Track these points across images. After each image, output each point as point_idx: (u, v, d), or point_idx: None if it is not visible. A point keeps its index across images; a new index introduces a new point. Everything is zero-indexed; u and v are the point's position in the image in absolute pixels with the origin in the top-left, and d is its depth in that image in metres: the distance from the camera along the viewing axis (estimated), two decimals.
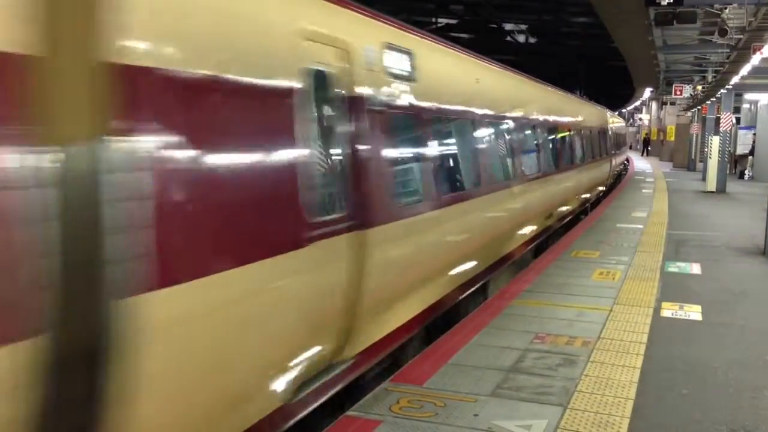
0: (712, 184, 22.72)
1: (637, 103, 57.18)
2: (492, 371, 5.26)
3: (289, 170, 3.79)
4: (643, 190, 22.02)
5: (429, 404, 4.61)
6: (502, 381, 5.06)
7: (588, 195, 16.89)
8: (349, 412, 4.49)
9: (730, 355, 5.89)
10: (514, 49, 37.30)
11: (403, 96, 5.50)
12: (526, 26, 35.99)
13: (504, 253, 8.80)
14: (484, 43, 30.42)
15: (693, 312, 7.22)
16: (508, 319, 6.74)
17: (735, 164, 30.57)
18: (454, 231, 6.62)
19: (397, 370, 5.31)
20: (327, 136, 4.30)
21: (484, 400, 4.69)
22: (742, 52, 16.09)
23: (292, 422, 4.09)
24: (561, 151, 12.81)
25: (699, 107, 31.32)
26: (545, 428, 4.27)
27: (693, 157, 34.48)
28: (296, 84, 3.88)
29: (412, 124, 5.82)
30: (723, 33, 15.68)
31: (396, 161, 5.46)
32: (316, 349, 4.20)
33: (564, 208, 13.41)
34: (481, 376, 5.14)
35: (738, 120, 32.10)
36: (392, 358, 5.68)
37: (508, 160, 8.90)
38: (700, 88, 28.37)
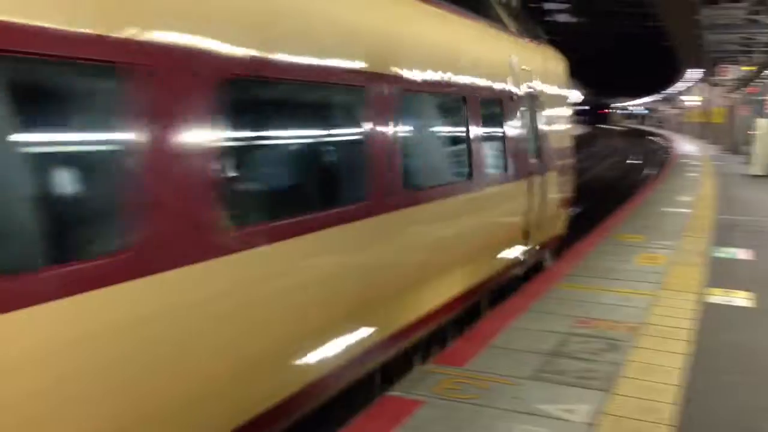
0: (760, 167, 22.06)
1: (682, 87, 55.77)
2: (533, 354, 5.20)
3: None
4: (689, 174, 21.53)
5: (470, 386, 4.57)
6: (544, 364, 4.99)
7: None
8: (391, 392, 4.48)
9: None
10: (555, 30, 36.67)
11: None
12: (569, 5, 35.31)
13: None
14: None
15: (742, 299, 7.03)
16: (549, 303, 6.65)
17: None
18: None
19: (431, 354, 5.29)
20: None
21: (525, 384, 4.64)
22: None
23: (332, 392, 4.18)
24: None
25: (745, 88, 30.39)
26: (587, 413, 4.20)
27: (739, 139, 33.49)
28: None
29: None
30: None
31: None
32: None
33: None
34: (523, 359, 5.08)
35: None
36: (430, 338, 5.68)
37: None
38: (747, 69, 27.52)
